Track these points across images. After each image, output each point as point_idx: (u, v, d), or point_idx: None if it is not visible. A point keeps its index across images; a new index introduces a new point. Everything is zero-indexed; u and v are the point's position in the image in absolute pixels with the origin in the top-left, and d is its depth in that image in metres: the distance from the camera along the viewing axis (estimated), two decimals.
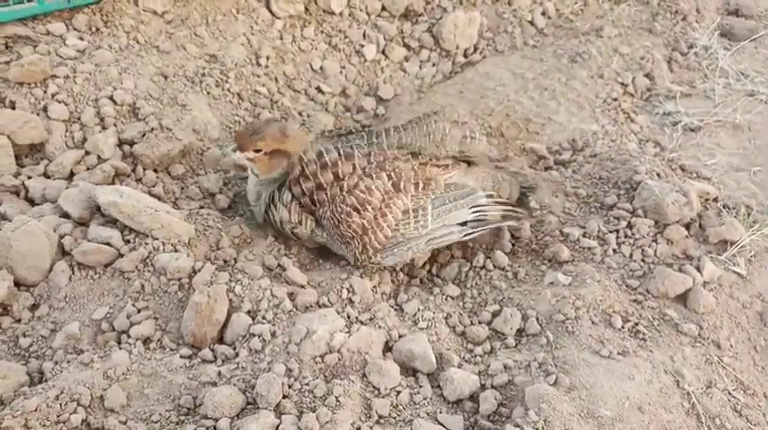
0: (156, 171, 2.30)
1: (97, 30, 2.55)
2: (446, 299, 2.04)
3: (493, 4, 3.39)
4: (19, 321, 1.79)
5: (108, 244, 1.88)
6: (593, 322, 1.89)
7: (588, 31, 3.28)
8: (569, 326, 1.87)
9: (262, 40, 2.91)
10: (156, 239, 1.91)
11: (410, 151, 2.11)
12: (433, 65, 3.26)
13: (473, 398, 1.69)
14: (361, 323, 1.81)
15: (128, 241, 1.91)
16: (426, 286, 2.14)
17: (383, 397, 1.62)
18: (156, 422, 1.52)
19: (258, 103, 2.72)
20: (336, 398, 1.57)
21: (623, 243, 2.16)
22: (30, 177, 2.14)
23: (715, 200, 2.31)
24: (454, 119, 2.27)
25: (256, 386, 1.55)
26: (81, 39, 2.49)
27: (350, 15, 3.19)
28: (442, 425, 1.59)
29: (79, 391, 1.52)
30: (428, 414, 1.62)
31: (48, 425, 1.46)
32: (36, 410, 1.47)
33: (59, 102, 2.27)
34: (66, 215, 1.97)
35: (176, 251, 1.92)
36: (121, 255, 1.88)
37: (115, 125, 2.31)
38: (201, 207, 2.24)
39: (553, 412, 1.56)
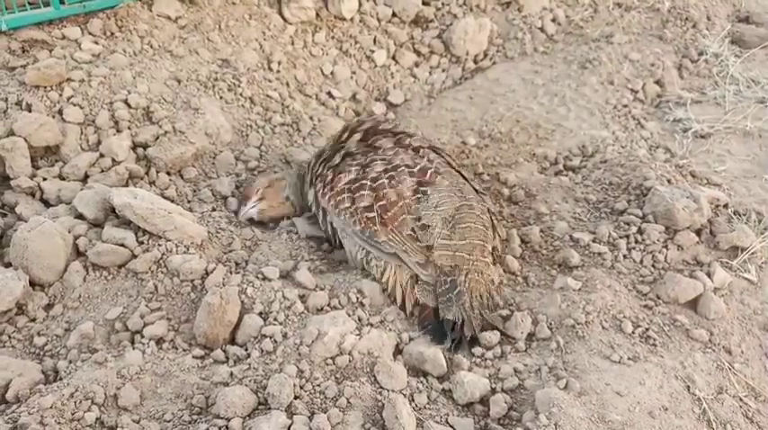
0: (169, 174, 2.33)
1: (112, 34, 2.59)
2: None
3: (503, 11, 3.41)
4: (34, 320, 1.81)
5: (122, 245, 1.90)
6: (603, 327, 1.89)
7: (598, 37, 3.29)
8: (580, 330, 1.87)
9: (274, 45, 2.94)
10: (170, 241, 1.93)
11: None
12: (443, 71, 3.28)
13: (483, 401, 1.69)
14: (372, 326, 1.82)
15: (141, 242, 1.93)
16: None
17: None
18: (169, 421, 1.53)
19: (270, 107, 2.75)
20: (347, 399, 1.57)
21: (634, 248, 2.16)
22: (45, 179, 2.17)
23: (725, 206, 2.30)
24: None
25: (268, 386, 1.56)
26: (96, 43, 2.53)
27: (360, 21, 3.22)
28: (452, 427, 1.59)
29: (93, 390, 1.54)
30: (439, 416, 1.62)
31: (63, 422, 1.47)
32: (51, 408, 1.48)
33: (74, 105, 2.30)
34: (80, 216, 2.00)
35: (189, 253, 1.94)
36: (135, 256, 1.90)
37: (129, 128, 2.34)
38: (214, 209, 2.26)
39: (563, 416, 1.56)
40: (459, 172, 2.20)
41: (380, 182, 2.00)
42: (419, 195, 1.99)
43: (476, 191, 2.18)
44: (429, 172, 2.05)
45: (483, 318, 1.89)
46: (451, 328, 1.85)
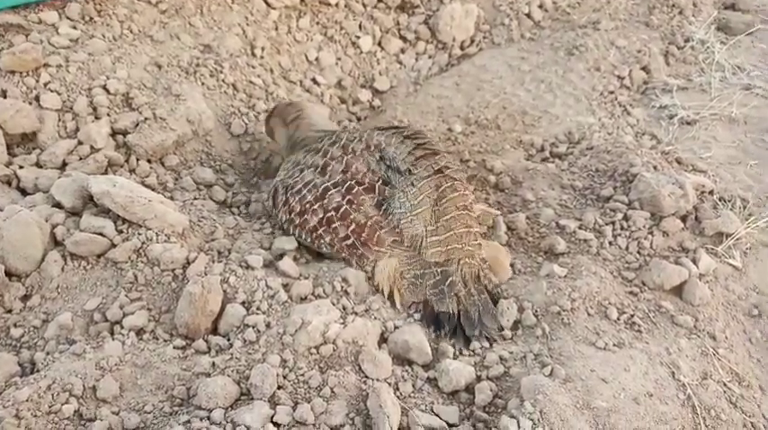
0: (149, 161, 2.28)
1: (90, 19, 2.53)
2: None
3: None
4: (10, 311, 1.77)
5: (101, 234, 1.86)
6: (588, 314, 1.89)
7: (585, 23, 3.27)
8: (565, 317, 1.86)
9: (257, 30, 2.89)
10: (150, 230, 1.89)
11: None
12: (430, 57, 3.25)
13: (469, 389, 1.68)
14: (356, 314, 1.80)
15: (121, 231, 1.89)
16: None
17: None
18: (150, 412, 1.51)
19: (253, 93, 2.70)
20: (331, 389, 1.56)
21: (619, 235, 2.16)
22: (21, 167, 2.12)
23: (711, 192, 2.30)
24: None
25: (251, 377, 1.54)
26: (74, 28, 2.47)
27: (346, 6, 3.17)
28: (437, 415, 1.58)
29: (71, 382, 1.51)
30: (424, 405, 1.61)
31: (39, 415, 1.44)
32: (27, 400, 1.45)
33: (52, 91, 2.25)
34: (58, 205, 1.95)
35: (170, 242, 1.90)
36: (114, 246, 1.85)
37: (108, 115, 2.29)
38: (196, 198, 2.23)
39: (549, 403, 1.56)
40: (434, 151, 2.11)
41: (344, 209, 1.96)
42: (384, 206, 1.96)
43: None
44: (377, 186, 1.98)
45: (480, 304, 1.88)
46: (448, 319, 1.84)
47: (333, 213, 1.96)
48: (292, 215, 2.04)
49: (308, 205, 2.01)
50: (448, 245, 1.93)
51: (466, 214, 1.99)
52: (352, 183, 1.98)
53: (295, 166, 2.14)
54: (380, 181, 1.99)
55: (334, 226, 1.96)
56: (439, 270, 1.90)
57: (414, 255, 1.93)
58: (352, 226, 1.94)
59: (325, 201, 1.98)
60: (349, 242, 1.95)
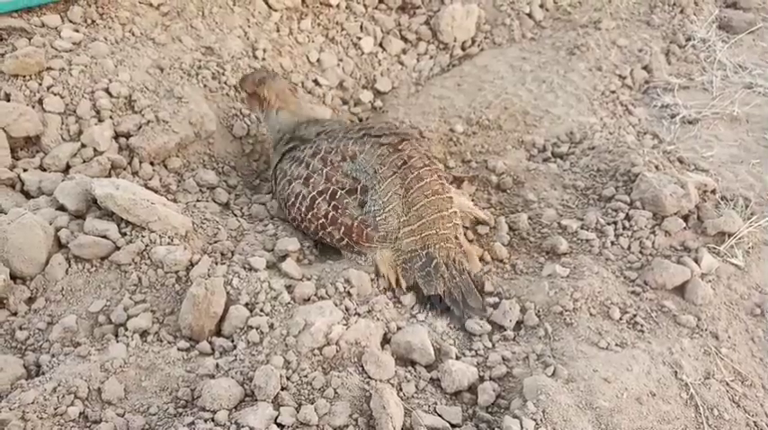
0: (152, 164, 2.29)
1: (93, 22, 2.54)
2: None
3: None
4: (15, 314, 1.78)
5: (104, 237, 1.87)
6: (591, 314, 1.89)
7: (586, 23, 3.27)
8: (567, 317, 1.87)
9: (258, 32, 2.89)
10: (153, 232, 1.90)
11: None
12: (431, 58, 3.25)
13: (471, 389, 1.69)
14: (359, 315, 1.81)
15: (124, 234, 1.90)
16: None
17: None
18: (154, 414, 1.52)
19: None
20: (335, 390, 1.56)
21: (621, 235, 2.16)
22: (25, 170, 2.13)
23: (713, 192, 2.30)
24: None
25: (254, 378, 1.55)
26: (76, 31, 2.48)
27: (347, 8, 3.17)
28: (440, 416, 1.59)
29: (76, 384, 1.52)
30: (427, 405, 1.61)
31: (45, 417, 1.45)
32: (33, 403, 1.46)
33: (55, 94, 2.26)
34: (62, 208, 1.96)
35: (173, 244, 1.91)
36: (118, 248, 1.87)
37: (111, 118, 2.30)
38: (199, 200, 2.23)
39: (551, 403, 1.56)
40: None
41: (331, 215, 2.06)
42: (365, 206, 2.05)
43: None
44: (358, 187, 2.07)
45: (462, 285, 1.96)
46: (439, 301, 1.93)
47: (323, 220, 2.08)
48: (296, 223, 2.18)
49: (302, 215, 2.12)
50: (422, 232, 2.02)
51: (436, 199, 2.06)
52: (335, 188, 2.09)
53: (284, 178, 2.22)
54: (360, 183, 2.09)
55: (328, 230, 2.07)
56: (424, 253, 1.99)
57: (397, 246, 2.02)
58: (342, 228, 2.05)
59: (315, 210, 2.09)
60: (344, 243, 2.06)
